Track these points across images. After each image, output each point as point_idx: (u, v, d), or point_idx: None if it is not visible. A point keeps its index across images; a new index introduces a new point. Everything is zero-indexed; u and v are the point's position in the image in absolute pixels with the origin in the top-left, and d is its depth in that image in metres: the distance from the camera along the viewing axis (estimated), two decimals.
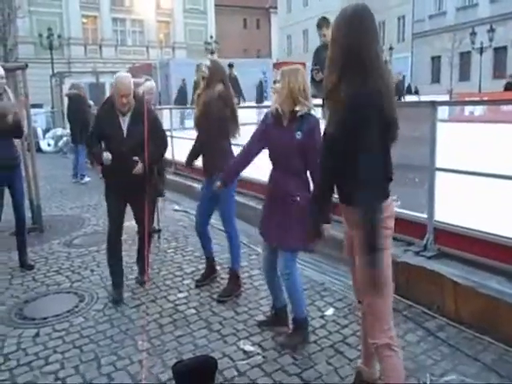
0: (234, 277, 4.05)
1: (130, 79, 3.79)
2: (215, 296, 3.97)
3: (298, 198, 3.02)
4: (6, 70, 4.85)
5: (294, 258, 3.15)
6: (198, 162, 4.25)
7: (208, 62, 4.01)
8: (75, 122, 10.01)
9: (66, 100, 11.81)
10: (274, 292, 3.42)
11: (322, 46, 5.92)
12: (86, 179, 10.06)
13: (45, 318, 3.71)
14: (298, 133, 2.97)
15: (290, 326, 3.34)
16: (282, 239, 3.12)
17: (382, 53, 2.23)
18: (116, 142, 3.81)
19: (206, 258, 4.40)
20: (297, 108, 2.97)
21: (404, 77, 24.46)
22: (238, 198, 5.30)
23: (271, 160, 3.19)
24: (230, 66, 13.81)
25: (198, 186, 7.47)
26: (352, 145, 2.04)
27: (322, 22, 5.62)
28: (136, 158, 3.80)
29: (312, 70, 5.66)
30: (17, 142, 4.90)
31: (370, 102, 2.03)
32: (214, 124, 3.83)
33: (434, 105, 3.87)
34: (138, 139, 3.78)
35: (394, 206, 2.37)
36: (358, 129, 2.02)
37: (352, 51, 2.05)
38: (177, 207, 7.15)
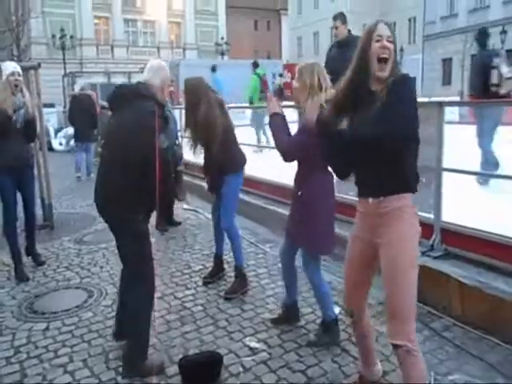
0: (240, 274, 4.08)
1: None
2: (222, 294, 4.00)
3: (299, 193, 3.08)
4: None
5: (311, 257, 3.19)
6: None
7: None
8: (79, 121, 10.17)
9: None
10: (287, 285, 3.43)
11: (332, 45, 5.93)
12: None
13: (55, 313, 3.77)
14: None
15: (303, 323, 3.41)
16: (294, 235, 3.20)
17: None
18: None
19: (214, 254, 4.43)
20: (303, 103, 2.99)
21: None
22: (246, 197, 5.35)
23: None
24: (213, 69, 13.34)
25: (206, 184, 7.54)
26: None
27: (338, 15, 5.68)
28: None
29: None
30: None
31: None
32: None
33: (440, 105, 3.88)
34: None
35: None
36: None
37: None
38: (186, 206, 7.20)
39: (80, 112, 10.11)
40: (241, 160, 4.14)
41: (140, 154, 2.74)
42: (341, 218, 4.75)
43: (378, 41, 2.16)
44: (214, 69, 13.68)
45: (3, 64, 4.60)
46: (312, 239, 3.11)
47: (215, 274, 4.32)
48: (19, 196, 4.68)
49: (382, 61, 2.15)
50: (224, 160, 3.93)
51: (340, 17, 5.64)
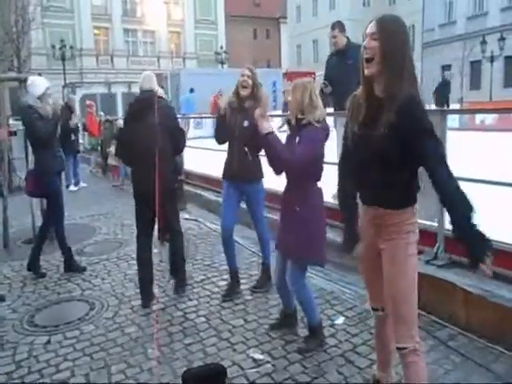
0: (267, 271, 4.22)
1: None
2: (225, 305, 3.98)
3: (298, 208, 3.07)
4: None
5: (301, 271, 3.17)
6: (204, 171, 4.33)
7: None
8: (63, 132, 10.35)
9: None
10: (283, 298, 3.46)
11: (331, 53, 5.93)
12: (82, 185, 10.69)
13: (56, 326, 3.74)
14: (297, 139, 3.03)
15: (301, 331, 3.39)
16: (289, 250, 3.17)
17: None
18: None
19: (230, 268, 4.29)
20: (300, 117, 3.04)
21: None
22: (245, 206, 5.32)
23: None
24: (191, 90, 15.06)
25: (206, 194, 7.53)
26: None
27: (336, 24, 5.66)
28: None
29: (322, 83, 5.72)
30: None
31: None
32: None
33: (443, 113, 3.87)
34: None
35: None
36: None
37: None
38: (187, 216, 7.17)
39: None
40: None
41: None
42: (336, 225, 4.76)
43: (363, 41, 2.11)
44: (192, 90, 17.32)
45: (35, 79, 5.04)
46: (311, 251, 3.12)
47: (233, 290, 4.22)
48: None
49: (366, 61, 2.06)
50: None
51: (338, 25, 5.63)
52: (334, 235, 4.55)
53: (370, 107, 2.13)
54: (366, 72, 2.07)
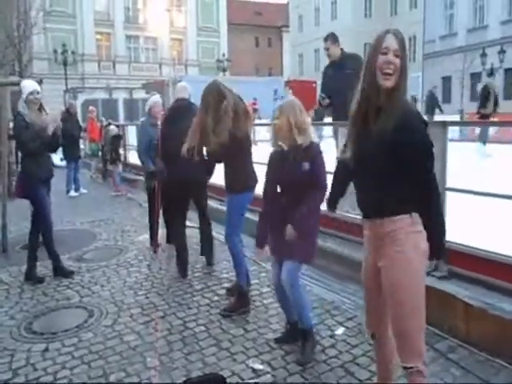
0: (240, 293, 4.05)
1: None
2: (224, 313, 3.95)
3: (297, 216, 3.12)
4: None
5: (296, 269, 3.18)
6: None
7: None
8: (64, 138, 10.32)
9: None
10: (285, 307, 3.43)
11: (327, 65, 5.92)
12: (83, 191, 10.64)
13: (54, 333, 3.71)
14: (306, 164, 3.08)
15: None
16: (285, 250, 3.18)
17: None
18: None
19: (240, 282, 4.13)
20: (299, 141, 3.08)
21: (415, 99, 24.87)
22: (249, 215, 5.32)
23: (281, 189, 3.29)
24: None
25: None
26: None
27: (329, 36, 5.67)
28: None
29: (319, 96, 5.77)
30: None
31: None
32: None
33: (444, 125, 3.88)
34: None
35: None
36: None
37: None
38: (187, 223, 7.14)
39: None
40: None
41: None
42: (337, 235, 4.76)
43: (384, 53, 2.10)
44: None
45: (23, 84, 4.92)
46: (308, 251, 3.22)
47: (239, 308, 4.03)
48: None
49: (386, 74, 2.10)
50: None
51: (330, 37, 5.63)
52: (336, 245, 4.56)
53: (372, 114, 2.16)
54: (384, 82, 2.10)
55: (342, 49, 5.68)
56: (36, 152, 4.74)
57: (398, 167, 2.10)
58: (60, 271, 5.02)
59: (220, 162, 4.05)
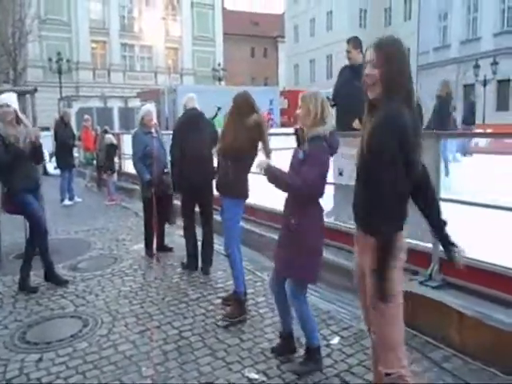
0: (237, 301, 4.06)
1: None
2: (220, 323, 3.95)
3: (292, 221, 3.05)
4: (15, 93, 5.11)
5: (298, 287, 3.15)
6: None
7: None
8: (58, 146, 10.53)
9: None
10: (281, 314, 3.40)
11: (346, 66, 5.70)
12: (77, 200, 10.61)
13: (48, 343, 3.69)
14: (301, 153, 3.04)
15: (301, 353, 3.31)
16: (286, 267, 3.15)
17: None
18: None
19: (237, 293, 4.17)
20: (320, 130, 3.01)
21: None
22: (244, 225, 5.34)
23: None
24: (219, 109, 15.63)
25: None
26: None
27: (351, 39, 5.48)
28: None
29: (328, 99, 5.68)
30: None
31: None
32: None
33: (438, 136, 3.93)
34: None
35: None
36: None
37: None
38: (181, 232, 7.14)
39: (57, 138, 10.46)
40: None
41: None
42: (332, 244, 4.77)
43: (366, 66, 2.24)
44: (219, 109, 16.77)
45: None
46: (304, 269, 3.09)
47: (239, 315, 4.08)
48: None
49: (367, 85, 2.21)
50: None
51: (352, 41, 5.42)
52: (331, 255, 4.58)
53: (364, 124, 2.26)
54: (369, 93, 2.20)
55: (364, 56, 5.55)
56: (8, 165, 4.61)
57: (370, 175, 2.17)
58: (54, 279, 5.00)
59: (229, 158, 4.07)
